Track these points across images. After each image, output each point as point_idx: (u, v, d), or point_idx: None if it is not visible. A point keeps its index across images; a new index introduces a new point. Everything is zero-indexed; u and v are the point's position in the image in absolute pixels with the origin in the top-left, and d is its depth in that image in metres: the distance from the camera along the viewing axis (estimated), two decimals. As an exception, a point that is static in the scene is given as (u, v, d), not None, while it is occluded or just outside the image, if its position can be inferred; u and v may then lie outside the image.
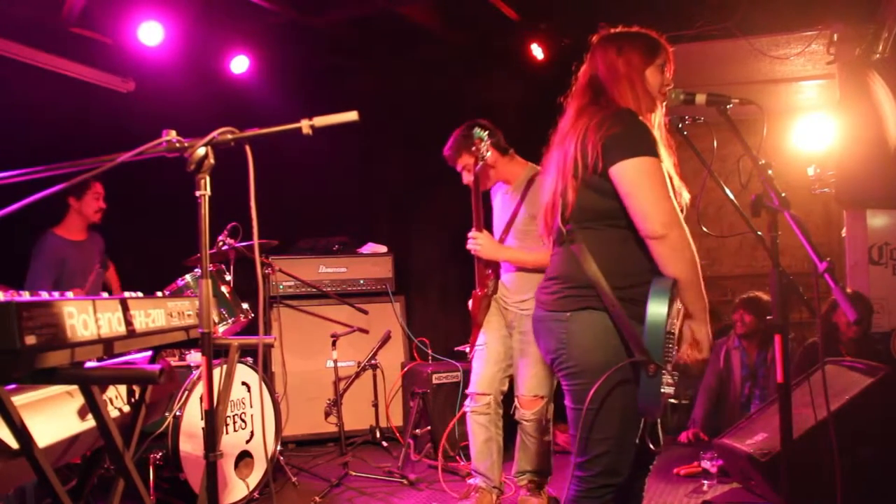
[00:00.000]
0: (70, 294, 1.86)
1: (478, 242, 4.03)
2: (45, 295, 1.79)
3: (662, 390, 2.37)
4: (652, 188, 2.34)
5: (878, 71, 5.25)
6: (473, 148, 3.95)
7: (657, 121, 2.60)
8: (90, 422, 2.21)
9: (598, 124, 2.42)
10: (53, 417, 2.16)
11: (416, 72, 6.52)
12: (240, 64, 6.03)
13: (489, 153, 3.98)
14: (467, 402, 4.30)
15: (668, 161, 2.51)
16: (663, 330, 2.32)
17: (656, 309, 2.33)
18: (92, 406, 2.06)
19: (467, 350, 4.35)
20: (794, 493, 2.47)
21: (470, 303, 4.29)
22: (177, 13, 5.40)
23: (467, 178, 4.21)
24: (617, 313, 2.38)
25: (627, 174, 2.36)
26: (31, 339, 1.64)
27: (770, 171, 2.43)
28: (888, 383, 4.06)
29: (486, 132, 3.96)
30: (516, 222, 4.15)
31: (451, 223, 6.34)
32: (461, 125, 4.22)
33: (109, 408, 2.40)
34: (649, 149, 2.38)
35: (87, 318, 1.85)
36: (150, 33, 5.29)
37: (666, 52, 2.59)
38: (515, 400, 4.19)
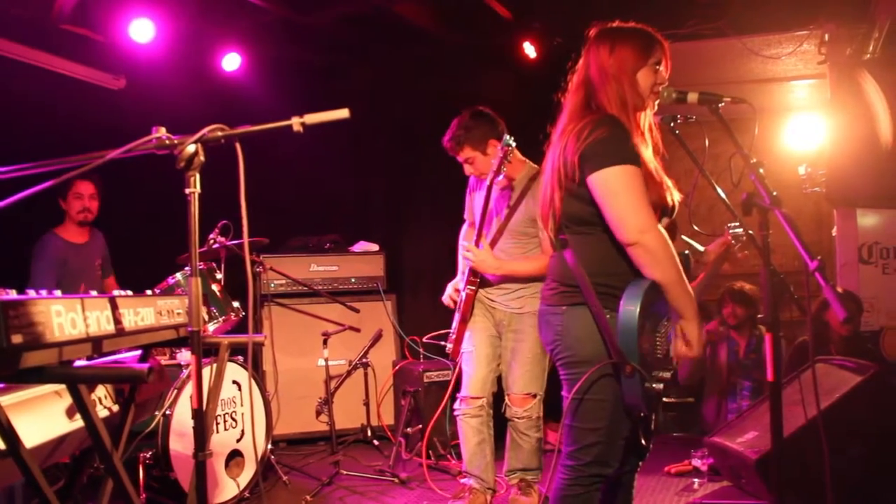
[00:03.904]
0: (58, 292, 1.84)
1: (479, 258, 3.98)
2: (32, 293, 1.77)
3: (651, 386, 2.41)
4: (625, 196, 2.38)
5: (869, 71, 5.27)
6: (501, 155, 3.80)
7: (647, 122, 2.61)
8: (78, 421, 2.20)
9: (578, 134, 2.45)
10: (41, 417, 2.14)
11: (410, 70, 6.52)
12: (232, 61, 5.99)
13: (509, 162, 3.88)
14: (457, 404, 4.28)
15: (652, 162, 2.53)
16: (635, 330, 2.36)
17: (628, 308, 2.39)
18: (79, 405, 2.04)
19: (446, 346, 4.30)
20: (784, 491, 2.47)
21: (445, 298, 4.27)
22: (168, 10, 5.37)
23: (469, 171, 4.19)
24: (598, 313, 2.44)
25: (602, 183, 2.40)
26: (17, 338, 1.63)
27: (761, 170, 2.43)
28: (878, 381, 4.08)
29: (513, 139, 3.84)
30: (513, 222, 4.11)
31: (442, 221, 6.36)
32: (459, 115, 4.16)
33: (98, 407, 2.38)
34: (625, 157, 2.40)
35: (74, 316, 1.83)
36: (142, 30, 5.26)
37: (661, 50, 2.59)
38: (506, 398, 4.18)
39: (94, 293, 2.01)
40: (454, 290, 4.26)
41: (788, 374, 4.40)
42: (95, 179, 4.97)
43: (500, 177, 3.90)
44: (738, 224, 2.94)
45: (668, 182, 2.57)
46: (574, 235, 2.55)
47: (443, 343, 4.40)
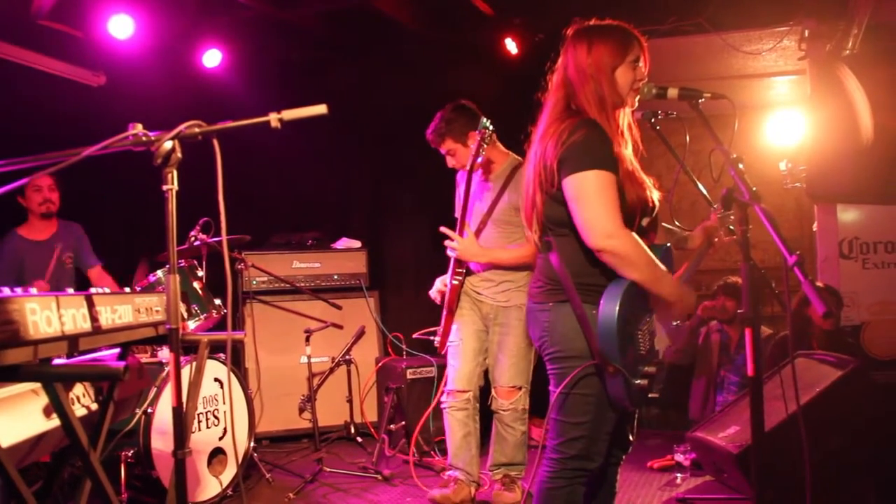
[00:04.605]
0: (33, 290, 1.82)
1: (462, 247, 4.01)
2: (6, 291, 1.76)
3: (635, 382, 2.43)
4: (594, 201, 2.39)
5: (849, 67, 5.29)
6: (479, 138, 3.89)
7: (626, 120, 2.61)
8: (56, 420, 2.18)
9: (557, 138, 2.47)
10: (18, 416, 2.13)
11: (391, 66, 6.50)
12: (212, 58, 5.96)
13: (486, 145, 3.94)
14: (444, 398, 4.29)
15: (632, 161, 2.54)
16: (615, 331, 2.38)
17: (607, 310, 2.41)
18: (55, 404, 2.03)
19: (434, 339, 4.31)
20: (765, 485, 2.48)
21: (433, 292, 4.28)
22: (148, 6, 5.34)
23: (451, 163, 4.20)
24: (581, 315, 2.46)
25: (571, 188, 2.42)
26: (-10, 336, 1.62)
27: (741, 166, 2.44)
28: (858, 376, 4.10)
29: (490, 123, 3.91)
30: (496, 211, 4.14)
31: (425, 218, 6.37)
32: (442, 109, 4.20)
33: (76, 406, 2.37)
34: (598, 162, 2.40)
35: (50, 314, 1.82)
36: (121, 26, 5.23)
37: (640, 47, 2.59)
38: (493, 391, 4.21)
39: (70, 290, 1.99)
40: (442, 285, 4.26)
41: (770, 369, 4.43)
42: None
43: (480, 159, 3.93)
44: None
45: (648, 181, 2.58)
46: (557, 237, 2.57)
47: (431, 338, 4.41)
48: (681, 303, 2.55)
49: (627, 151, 2.55)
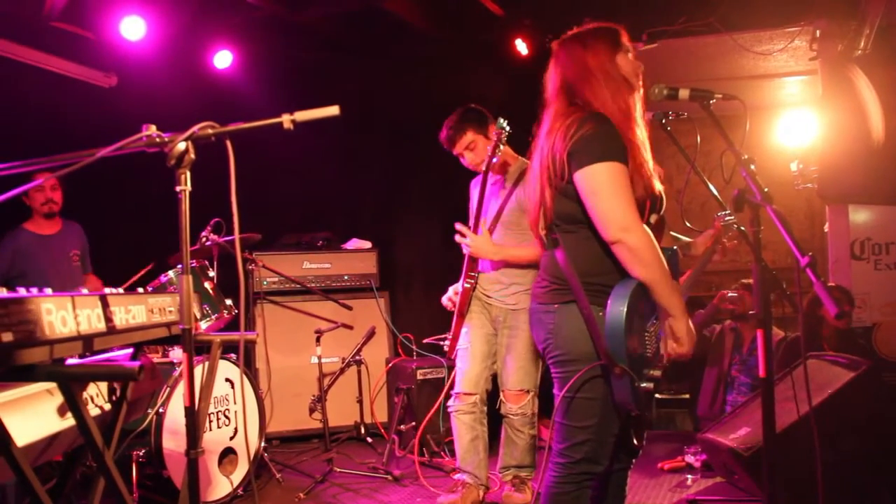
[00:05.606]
0: (49, 290, 1.83)
1: (476, 244, 4.01)
2: (22, 291, 1.77)
3: (641, 385, 2.41)
4: (609, 193, 2.37)
5: (860, 67, 5.28)
6: (496, 138, 3.91)
7: (639, 106, 2.59)
8: (70, 420, 2.19)
9: (565, 131, 2.45)
10: (33, 416, 2.14)
11: (401, 67, 6.51)
12: (223, 59, 5.99)
13: (503, 145, 3.97)
14: (450, 401, 4.29)
15: (646, 150, 2.53)
16: (623, 331, 2.36)
17: (615, 310, 2.39)
18: (71, 404, 2.04)
19: (444, 344, 4.31)
20: (776, 487, 2.48)
21: (445, 300, 4.28)
22: (159, 8, 5.36)
23: (469, 159, 4.18)
24: (588, 315, 2.44)
25: (585, 180, 2.40)
26: (7, 336, 1.62)
27: (752, 166, 2.43)
28: (870, 377, 4.09)
29: (506, 122, 3.92)
30: (505, 213, 4.14)
31: (435, 218, 6.37)
32: (451, 115, 4.20)
33: (90, 406, 2.38)
34: (610, 154, 2.39)
35: (65, 314, 1.83)
36: (133, 28, 5.25)
37: (628, 41, 2.61)
38: (501, 394, 4.20)
39: (84, 291, 2.00)
40: (454, 293, 4.26)
41: (782, 371, 4.42)
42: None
43: (496, 159, 3.93)
44: (729, 212, 2.93)
45: (655, 175, 2.56)
46: (565, 234, 2.55)
47: (442, 343, 4.41)
48: (681, 318, 2.50)
49: (642, 137, 2.54)
